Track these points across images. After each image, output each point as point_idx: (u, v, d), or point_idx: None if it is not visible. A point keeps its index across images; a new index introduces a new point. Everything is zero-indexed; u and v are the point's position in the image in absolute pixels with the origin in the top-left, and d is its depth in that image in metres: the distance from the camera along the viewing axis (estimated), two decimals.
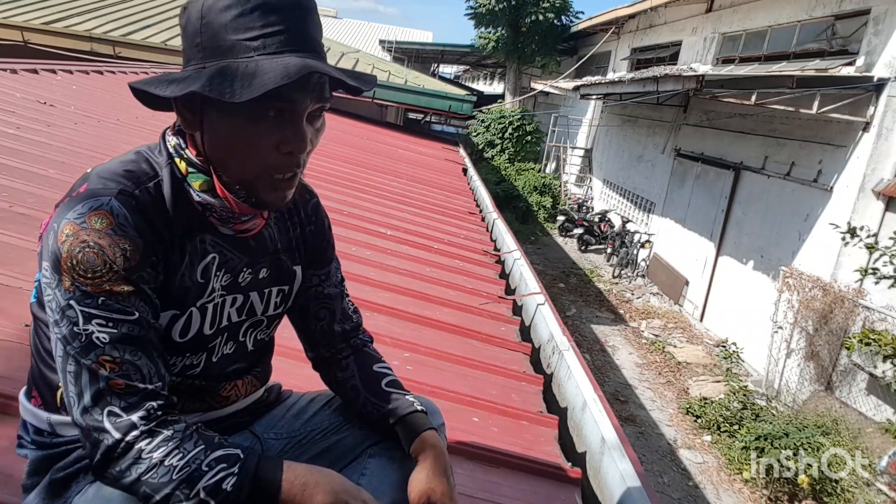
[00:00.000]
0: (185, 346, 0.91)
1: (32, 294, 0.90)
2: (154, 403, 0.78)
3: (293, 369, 1.69)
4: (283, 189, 0.87)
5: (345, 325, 1.13)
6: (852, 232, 6.03)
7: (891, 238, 5.76)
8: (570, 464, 1.79)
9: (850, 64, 6.78)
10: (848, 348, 5.60)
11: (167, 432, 0.77)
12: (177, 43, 10.09)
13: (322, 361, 1.14)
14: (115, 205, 0.79)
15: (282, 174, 0.85)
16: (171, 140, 0.89)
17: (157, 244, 0.83)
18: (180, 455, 0.76)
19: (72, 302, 0.77)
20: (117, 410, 0.76)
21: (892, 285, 5.69)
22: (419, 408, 1.05)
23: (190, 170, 0.88)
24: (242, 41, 0.79)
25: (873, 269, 5.80)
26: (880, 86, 6.22)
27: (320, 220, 1.10)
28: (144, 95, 0.86)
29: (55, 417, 0.89)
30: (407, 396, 1.06)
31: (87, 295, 0.77)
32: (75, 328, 0.77)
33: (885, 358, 5.20)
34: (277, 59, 0.78)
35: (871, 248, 5.89)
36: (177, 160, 0.88)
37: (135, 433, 0.76)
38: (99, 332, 0.77)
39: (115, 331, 0.78)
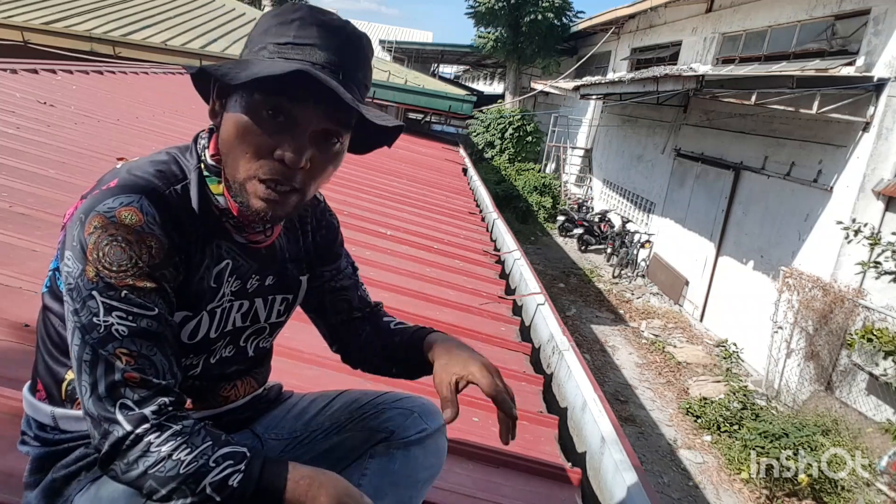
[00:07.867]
0: (190, 348, 0.93)
1: (45, 284, 0.90)
2: (166, 399, 0.79)
3: (293, 369, 1.70)
4: (273, 202, 0.85)
5: (364, 311, 1.18)
6: (857, 230, 6.03)
7: (893, 233, 5.77)
8: (570, 464, 1.79)
9: (850, 64, 6.78)
10: (850, 345, 5.59)
11: (176, 427, 0.78)
12: (176, 43, 10.09)
13: (348, 347, 1.19)
14: (145, 203, 0.81)
15: (273, 183, 0.84)
16: (201, 142, 0.92)
17: (181, 245, 0.85)
18: (189, 450, 0.77)
19: (94, 292, 0.78)
20: (130, 403, 0.77)
21: (894, 279, 5.70)
22: (423, 326, 1.13)
23: (206, 173, 0.90)
24: (273, 43, 0.83)
25: (875, 262, 5.79)
26: (880, 86, 6.22)
27: (329, 223, 1.13)
28: (195, 82, 0.91)
29: (59, 411, 0.90)
30: (411, 326, 1.14)
31: (111, 287, 0.78)
32: (95, 318, 0.78)
33: (887, 354, 5.20)
34: (287, 62, 0.80)
35: (874, 243, 5.89)
36: (202, 165, 0.91)
37: (145, 426, 0.76)
38: (118, 324, 0.78)
39: (134, 325, 0.79)
